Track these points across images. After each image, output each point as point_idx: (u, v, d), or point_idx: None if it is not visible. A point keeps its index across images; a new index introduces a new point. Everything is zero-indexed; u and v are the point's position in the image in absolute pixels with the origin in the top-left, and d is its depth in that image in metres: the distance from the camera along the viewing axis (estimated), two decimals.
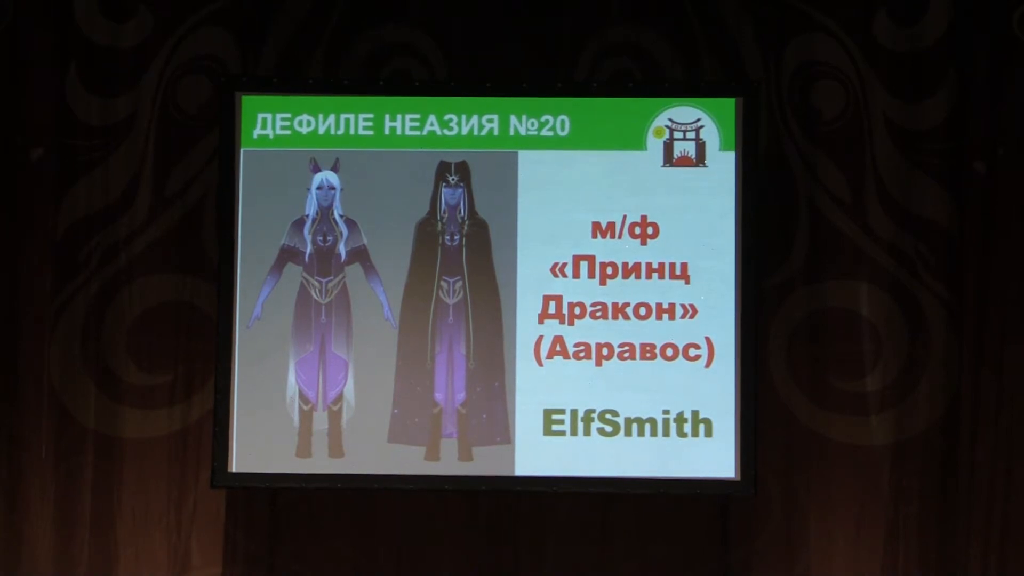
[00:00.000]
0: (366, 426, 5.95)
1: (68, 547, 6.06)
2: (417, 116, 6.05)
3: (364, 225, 6.04)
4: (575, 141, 6.03)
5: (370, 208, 6.05)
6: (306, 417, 5.96)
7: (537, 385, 5.95)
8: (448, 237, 6.03)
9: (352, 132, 6.06)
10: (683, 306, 5.96)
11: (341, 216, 6.04)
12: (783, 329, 6.08)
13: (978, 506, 5.95)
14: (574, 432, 5.93)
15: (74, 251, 6.16)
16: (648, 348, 5.95)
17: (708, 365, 5.93)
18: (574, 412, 5.94)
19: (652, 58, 6.18)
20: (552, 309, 5.98)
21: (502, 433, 5.94)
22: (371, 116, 6.05)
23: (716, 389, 5.91)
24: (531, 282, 5.99)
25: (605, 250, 6.00)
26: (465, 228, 6.03)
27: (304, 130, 6.06)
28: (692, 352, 5.93)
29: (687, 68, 6.17)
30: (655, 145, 6.03)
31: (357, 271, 6.03)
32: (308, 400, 5.97)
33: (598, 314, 5.97)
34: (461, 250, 6.02)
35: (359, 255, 6.03)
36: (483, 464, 5.93)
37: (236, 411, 5.94)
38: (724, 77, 6.14)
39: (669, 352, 5.94)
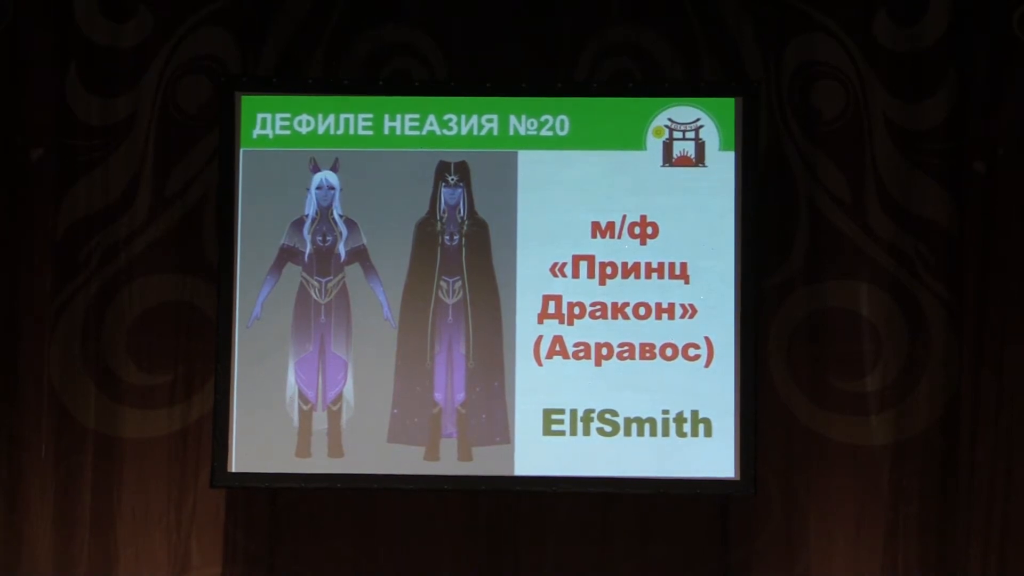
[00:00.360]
0: (366, 426, 5.95)
1: (68, 547, 6.07)
2: (417, 116, 6.05)
3: (364, 225, 6.04)
4: (575, 141, 6.02)
5: (370, 208, 6.05)
6: (306, 417, 5.96)
7: (537, 385, 5.95)
8: (448, 237, 6.02)
9: (352, 132, 6.06)
10: (683, 306, 5.96)
11: (340, 216, 6.05)
12: (783, 329, 6.08)
13: (978, 506, 5.94)
14: (574, 432, 5.92)
15: (74, 251, 6.16)
16: (648, 348, 5.95)
17: (708, 365, 5.92)
18: (574, 412, 5.93)
19: (652, 58, 6.17)
20: (552, 309, 5.98)
21: (502, 433, 5.94)
22: (370, 116, 6.05)
23: (716, 389, 5.91)
24: (531, 282, 5.99)
25: (605, 250, 5.99)
26: (465, 228, 6.03)
27: (304, 130, 6.06)
28: (692, 352, 5.93)
29: (687, 68, 6.16)
30: (655, 145, 6.02)
31: (356, 271, 6.03)
32: (308, 400, 5.97)
33: (597, 314, 5.97)
34: (461, 250, 6.02)
35: (359, 255, 6.03)
36: (483, 464, 5.93)
37: (236, 411, 5.94)
38: (724, 77, 6.14)
39: (669, 352, 5.94)
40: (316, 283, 6.02)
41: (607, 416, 5.92)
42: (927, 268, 6.05)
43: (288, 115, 6.06)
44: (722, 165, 6.00)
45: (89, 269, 6.16)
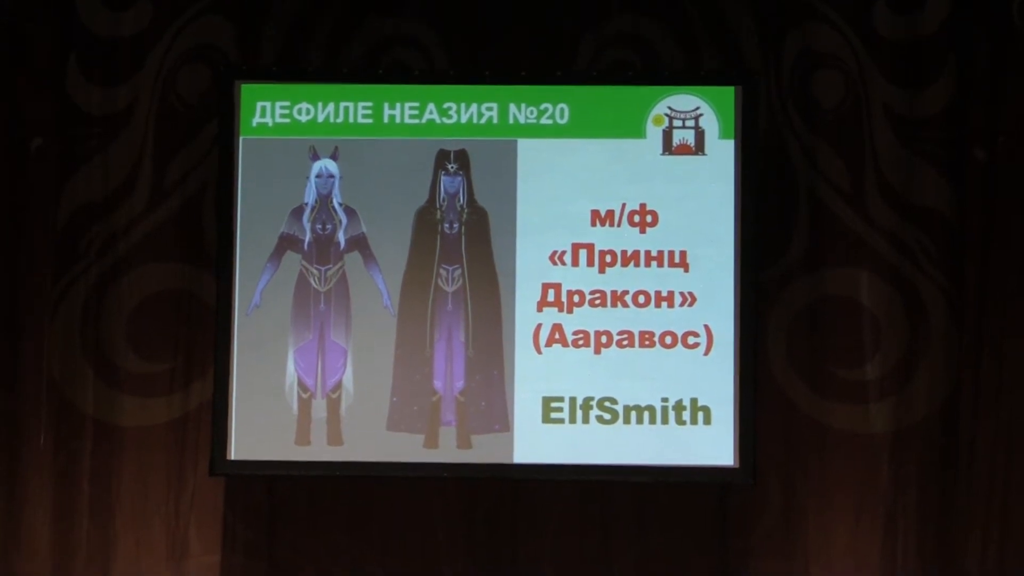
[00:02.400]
0: (365, 414, 5.95)
1: (67, 534, 6.06)
2: (416, 104, 6.05)
3: (363, 213, 6.04)
4: (574, 129, 6.02)
5: (369, 196, 6.05)
6: (305, 405, 5.96)
7: (536, 373, 5.94)
8: (447, 225, 6.02)
9: (351, 120, 6.06)
10: (682, 294, 5.95)
11: (340, 204, 6.05)
12: (783, 317, 6.06)
13: (977, 496, 5.92)
14: (573, 420, 5.92)
15: (74, 240, 6.16)
16: (647, 336, 5.94)
17: (707, 353, 5.92)
18: (573, 400, 5.93)
19: (652, 47, 6.17)
20: (551, 297, 5.97)
21: (501, 421, 5.93)
22: (370, 104, 6.05)
23: (715, 377, 5.90)
24: (530, 270, 5.99)
25: (604, 238, 5.99)
26: (464, 216, 6.02)
27: (303, 118, 6.06)
28: (691, 340, 5.92)
29: (687, 57, 6.16)
30: (654, 133, 6.02)
31: (356, 259, 6.03)
32: (307, 388, 5.97)
33: (597, 302, 5.97)
34: (460, 238, 6.02)
35: (358, 243, 6.03)
36: (482, 452, 5.92)
37: (235, 399, 5.94)
38: (724, 66, 6.13)
39: (668, 340, 5.93)
40: (316, 271, 6.02)
41: (606, 404, 5.91)
42: (927, 257, 6.03)
43: (288, 104, 6.06)
44: (722, 153, 5.99)
45: (89, 258, 6.16)
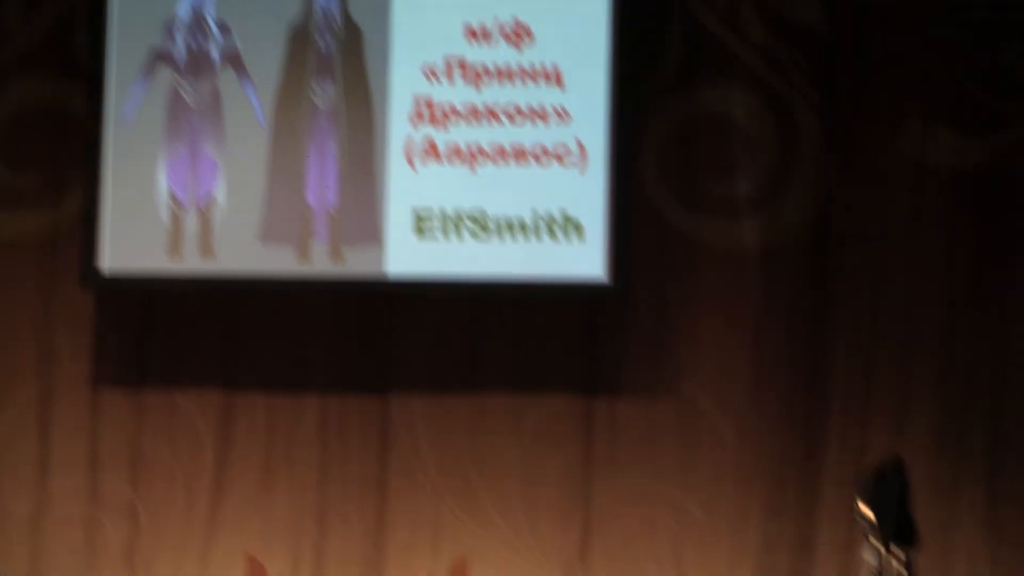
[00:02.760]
0: (237, 227, 5.94)
1: None
2: None
3: (237, 29, 6.01)
4: None
5: (243, 12, 6.03)
6: (177, 218, 5.95)
7: (409, 188, 5.94)
8: (321, 41, 5.99)
9: None
10: (556, 110, 5.95)
11: (214, 19, 6.00)
12: (656, 133, 6.05)
13: (846, 310, 5.94)
14: (445, 234, 5.92)
15: None
16: (520, 151, 5.94)
17: (580, 169, 5.92)
18: (445, 215, 5.93)
19: None
20: (425, 113, 5.96)
21: (373, 235, 5.93)
22: None
23: (588, 192, 5.91)
24: (404, 86, 5.97)
25: (479, 54, 5.98)
26: (338, 32, 5.99)
27: None
28: (565, 156, 5.93)
29: None
30: None
31: (229, 75, 6.00)
32: (179, 201, 5.95)
33: (471, 118, 5.96)
34: (334, 54, 5.99)
35: (231, 59, 6.00)
36: (354, 265, 5.93)
37: (107, 212, 5.93)
38: None
39: (541, 156, 5.93)
40: (188, 86, 5.98)
41: (479, 219, 5.92)
42: (800, 73, 6.02)
43: None
44: None
45: None
